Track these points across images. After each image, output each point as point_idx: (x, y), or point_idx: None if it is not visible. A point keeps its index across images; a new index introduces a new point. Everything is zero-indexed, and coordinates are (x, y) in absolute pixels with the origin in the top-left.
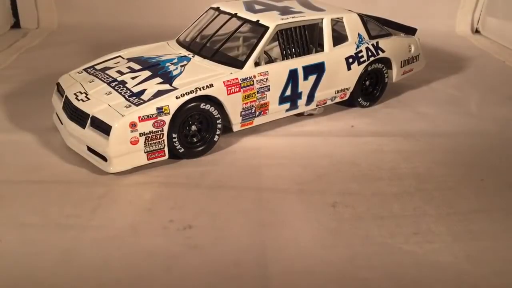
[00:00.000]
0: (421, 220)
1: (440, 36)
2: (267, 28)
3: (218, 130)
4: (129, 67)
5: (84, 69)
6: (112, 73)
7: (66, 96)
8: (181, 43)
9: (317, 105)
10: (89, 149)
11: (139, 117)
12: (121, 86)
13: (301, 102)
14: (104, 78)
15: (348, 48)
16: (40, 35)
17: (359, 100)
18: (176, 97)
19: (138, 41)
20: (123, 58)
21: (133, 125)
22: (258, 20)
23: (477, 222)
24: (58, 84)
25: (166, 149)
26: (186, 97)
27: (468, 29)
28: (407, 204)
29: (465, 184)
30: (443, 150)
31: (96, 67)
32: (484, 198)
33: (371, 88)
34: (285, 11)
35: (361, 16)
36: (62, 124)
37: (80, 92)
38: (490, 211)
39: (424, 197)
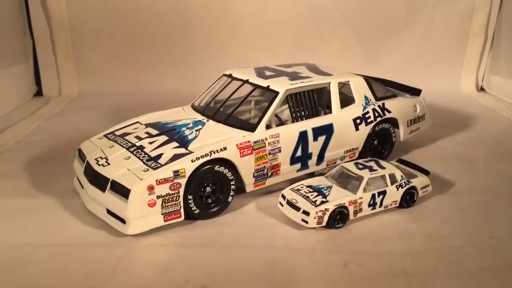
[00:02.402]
0: (432, 279)
1: (445, 94)
2: (277, 93)
3: (232, 191)
4: (147, 132)
5: (105, 135)
6: (131, 138)
7: (88, 161)
8: (196, 108)
9: (327, 165)
10: (108, 211)
11: (156, 180)
12: (140, 151)
13: (312, 162)
14: (124, 144)
15: (355, 110)
16: (62, 102)
17: None
18: (192, 161)
19: (155, 106)
20: (141, 124)
21: (151, 188)
22: (268, 86)
23: (487, 280)
24: (79, 150)
25: (182, 210)
26: (201, 160)
27: (473, 87)
28: (418, 263)
29: (475, 242)
30: (451, 208)
31: (116, 133)
32: (494, 256)
33: (379, 147)
34: (294, 76)
35: (367, 79)
36: (83, 188)
37: (101, 158)
38: (500, 269)
39: (435, 255)
